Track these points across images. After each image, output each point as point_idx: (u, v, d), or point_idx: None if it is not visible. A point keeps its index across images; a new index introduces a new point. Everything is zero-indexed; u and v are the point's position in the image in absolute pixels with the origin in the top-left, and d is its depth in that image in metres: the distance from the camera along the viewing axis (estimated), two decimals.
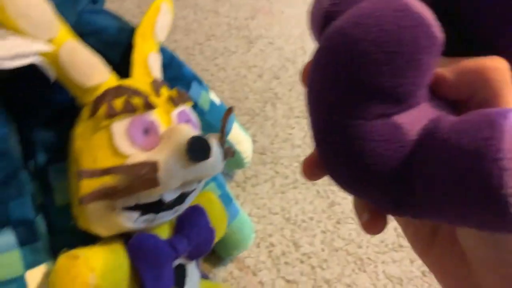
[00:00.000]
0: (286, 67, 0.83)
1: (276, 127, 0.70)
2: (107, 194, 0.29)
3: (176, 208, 0.36)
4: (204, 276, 0.41)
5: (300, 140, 0.70)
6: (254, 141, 0.66)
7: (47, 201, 0.35)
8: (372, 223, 0.18)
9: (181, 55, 0.72)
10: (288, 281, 0.52)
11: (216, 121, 0.49)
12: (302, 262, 0.55)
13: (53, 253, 0.34)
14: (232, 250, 0.48)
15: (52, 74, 0.29)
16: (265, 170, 0.63)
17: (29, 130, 0.34)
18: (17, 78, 0.32)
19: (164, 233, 0.37)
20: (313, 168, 0.19)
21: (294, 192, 0.62)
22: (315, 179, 0.19)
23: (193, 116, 0.38)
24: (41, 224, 0.32)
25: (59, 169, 0.34)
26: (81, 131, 0.32)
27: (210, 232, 0.39)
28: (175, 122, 0.35)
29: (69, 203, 0.34)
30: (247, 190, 0.59)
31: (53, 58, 0.31)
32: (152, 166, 0.30)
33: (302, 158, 0.69)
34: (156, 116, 0.34)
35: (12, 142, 0.30)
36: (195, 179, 0.35)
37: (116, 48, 0.40)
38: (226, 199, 0.47)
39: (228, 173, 0.60)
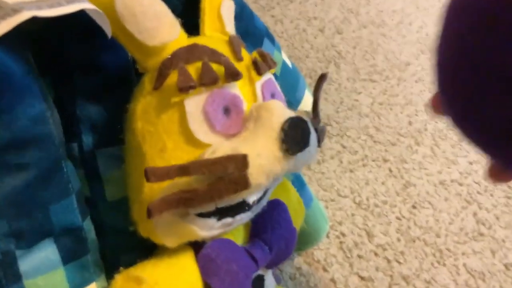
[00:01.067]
0: (349, 20, 0.71)
1: (340, 92, 0.60)
2: (182, 201, 0.21)
3: (256, 206, 0.28)
4: (278, 280, 0.34)
5: (368, 107, 0.61)
6: None
7: (96, 195, 0.27)
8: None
9: None
10: (362, 278, 0.45)
11: (288, 87, 0.40)
12: (376, 255, 0.47)
13: (103, 261, 0.27)
14: (303, 244, 0.41)
15: (107, 27, 0.21)
16: (330, 145, 0.54)
17: (72, 103, 0.25)
18: (56, 33, 0.24)
19: (239, 236, 0.29)
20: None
21: (364, 170, 0.54)
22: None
23: (278, 87, 0.29)
24: (90, 229, 0.24)
25: (111, 155, 0.26)
26: (143, 108, 0.24)
27: (293, 233, 0.31)
28: (260, 97, 0.26)
29: (124, 198, 0.26)
30: (312, 168, 0.50)
31: (106, 5, 0.22)
32: (241, 161, 0.22)
33: (371, 130, 0.60)
34: (239, 90, 0.25)
35: (53, 122, 0.22)
36: (288, 173, 0.26)
37: None
38: (299, 184, 0.39)
39: None
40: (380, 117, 0.61)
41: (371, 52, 0.68)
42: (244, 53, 0.27)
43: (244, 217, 0.27)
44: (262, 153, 0.23)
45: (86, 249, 0.24)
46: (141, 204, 0.23)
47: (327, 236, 0.46)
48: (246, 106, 0.25)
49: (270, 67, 0.27)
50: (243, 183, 0.22)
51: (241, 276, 0.26)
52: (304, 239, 0.41)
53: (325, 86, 0.60)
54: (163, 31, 0.24)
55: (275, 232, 0.30)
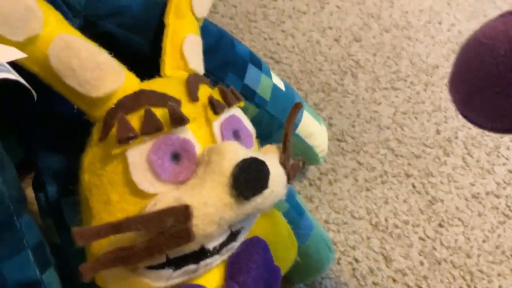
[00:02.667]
0: (369, 25, 0.68)
1: (357, 104, 0.57)
2: (120, 259, 0.20)
3: (227, 248, 0.26)
4: None
5: (389, 118, 0.57)
6: (330, 125, 0.54)
7: (64, 242, 0.27)
8: None
9: (240, 23, 0.61)
10: None
11: (280, 112, 0.38)
12: (395, 281, 0.44)
13: None
14: (305, 276, 0.39)
15: (31, 90, 0.21)
16: (345, 162, 0.51)
17: (34, 155, 0.26)
18: (15, 87, 0.24)
19: (213, 279, 0.28)
20: None
21: (383, 188, 0.50)
22: None
23: (246, 122, 0.28)
24: (52, 281, 0.25)
25: (75, 203, 0.26)
26: (90, 160, 0.23)
27: (275, 272, 0.30)
28: (219, 138, 0.25)
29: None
30: (322, 190, 0.48)
31: (42, 63, 0.22)
32: (182, 213, 0.21)
33: (392, 143, 0.56)
34: (191, 133, 0.24)
35: (2, 182, 0.22)
36: (246, 217, 0.25)
37: (143, 31, 0.30)
38: (296, 213, 0.37)
39: None
40: (403, 127, 0.57)
41: (394, 58, 0.64)
42: (203, 91, 0.26)
43: (211, 262, 0.26)
44: (209, 201, 0.22)
45: None
46: (91, 257, 0.22)
47: (338, 263, 0.43)
48: (201, 149, 0.24)
49: (229, 104, 0.26)
50: (186, 236, 0.21)
51: None
52: (305, 272, 0.39)
53: (339, 99, 0.58)
54: (106, 81, 0.23)
55: (252, 273, 0.28)
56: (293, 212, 0.37)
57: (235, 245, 0.28)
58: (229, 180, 0.22)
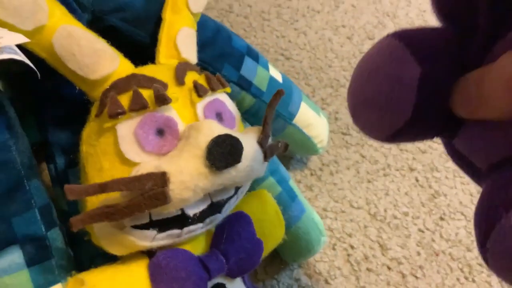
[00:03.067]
0: (384, 24, 0.69)
1: None
2: (104, 215, 0.24)
3: (210, 218, 0.29)
4: None
5: None
6: (336, 119, 0.56)
7: (71, 208, 0.31)
8: None
9: (254, 22, 0.64)
10: None
11: (280, 102, 0.41)
12: (389, 269, 0.45)
13: (78, 265, 0.31)
14: (296, 256, 0.41)
15: (35, 69, 0.25)
16: (348, 154, 0.53)
17: (45, 131, 0.30)
18: (27, 71, 0.28)
19: (199, 246, 0.31)
20: None
21: (385, 180, 0.52)
22: None
23: (230, 106, 0.31)
24: (56, 238, 0.28)
25: (78, 174, 0.30)
26: (87, 133, 0.27)
27: (256, 244, 0.32)
28: (202, 118, 0.28)
29: None
30: (323, 179, 0.50)
31: (48, 49, 0.26)
32: (159, 178, 0.24)
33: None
34: (175, 112, 0.27)
35: (15, 149, 0.26)
36: (222, 188, 0.28)
37: (144, 25, 0.34)
38: (288, 197, 0.40)
39: (300, 159, 0.51)
40: None
41: None
42: (191, 77, 0.30)
43: (194, 229, 0.29)
44: (185, 170, 0.25)
45: (49, 255, 0.28)
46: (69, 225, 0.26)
47: (333, 249, 0.45)
48: (184, 127, 0.27)
49: (213, 89, 0.29)
50: (163, 198, 0.24)
51: (189, 283, 0.28)
52: (296, 252, 0.41)
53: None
54: (102, 65, 0.27)
55: (234, 243, 0.31)
56: (285, 195, 0.40)
57: (219, 217, 0.30)
58: (204, 152, 0.25)
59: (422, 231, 0.48)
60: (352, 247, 0.46)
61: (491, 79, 0.14)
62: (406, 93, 0.16)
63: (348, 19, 0.68)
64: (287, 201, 0.39)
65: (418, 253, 0.47)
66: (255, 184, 0.38)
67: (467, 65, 0.16)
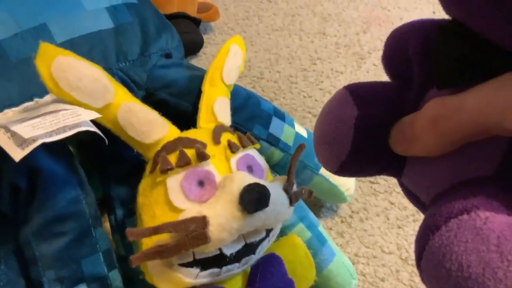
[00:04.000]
0: None
1: None
2: (157, 253, 0.29)
3: (246, 259, 0.34)
4: None
5: None
6: None
7: (127, 253, 0.36)
8: None
9: (283, 85, 0.71)
10: None
11: (303, 156, 0.46)
12: None
13: None
14: None
15: (104, 137, 0.31)
16: (376, 202, 0.56)
17: (108, 187, 0.36)
18: (96, 139, 0.35)
19: (236, 285, 0.35)
20: None
21: (415, 225, 0.54)
22: None
23: (259, 159, 0.36)
24: (116, 278, 0.33)
25: (135, 222, 0.36)
26: (143, 187, 0.33)
27: (288, 283, 0.36)
28: (234, 170, 0.34)
29: None
30: (353, 226, 0.53)
31: (113, 121, 0.33)
32: (201, 221, 0.29)
33: None
34: (212, 166, 0.33)
35: (85, 203, 0.32)
36: (255, 230, 0.32)
37: (187, 97, 0.40)
38: (318, 242, 0.43)
39: (331, 207, 0.55)
40: None
41: None
42: (225, 137, 0.35)
43: (232, 268, 0.33)
44: (221, 214, 0.30)
45: None
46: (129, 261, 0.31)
47: None
48: (220, 178, 0.33)
49: (244, 146, 0.35)
50: (204, 238, 0.29)
51: None
52: None
53: None
54: (155, 132, 0.33)
55: (268, 282, 0.35)
56: (315, 239, 0.43)
57: (254, 257, 0.35)
58: (237, 198, 0.30)
59: None
60: None
61: (420, 119, 0.17)
62: (346, 131, 0.20)
63: (370, 77, 0.73)
64: (317, 245, 0.43)
65: None
66: (286, 230, 0.42)
67: (405, 111, 0.19)
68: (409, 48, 0.19)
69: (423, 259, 0.15)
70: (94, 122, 0.32)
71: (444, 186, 0.17)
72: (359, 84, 0.21)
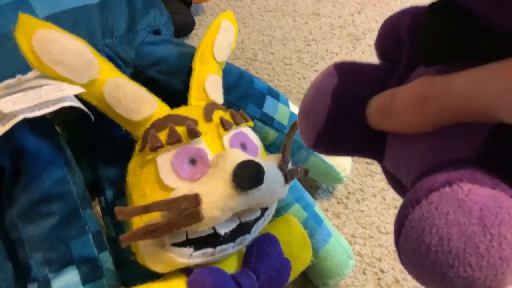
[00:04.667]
0: None
1: None
2: (148, 232, 0.28)
3: (240, 239, 0.33)
4: None
5: None
6: None
7: (118, 235, 0.35)
8: None
9: (277, 67, 0.69)
10: None
11: (298, 136, 0.45)
12: None
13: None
14: (325, 278, 0.43)
15: (91, 114, 0.30)
16: (373, 183, 0.55)
17: (97, 168, 0.35)
18: (83, 119, 0.34)
19: (231, 265, 0.34)
20: None
21: None
22: None
23: (253, 137, 0.35)
24: (106, 260, 0.32)
25: (125, 203, 0.34)
26: (132, 166, 0.32)
27: (284, 263, 0.35)
28: (228, 148, 0.33)
29: None
30: (350, 207, 0.52)
31: (99, 98, 0.31)
32: (193, 199, 0.28)
33: None
34: (205, 144, 0.32)
35: (72, 183, 0.31)
36: (248, 208, 0.31)
37: (178, 75, 0.39)
38: (315, 222, 0.42)
39: (327, 188, 0.54)
40: None
41: None
42: (218, 114, 0.34)
43: (226, 248, 0.32)
44: (214, 192, 0.29)
45: (101, 274, 0.32)
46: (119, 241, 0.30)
47: (364, 273, 0.47)
48: (213, 156, 0.32)
49: (237, 123, 0.34)
50: (196, 216, 0.28)
51: None
52: (325, 275, 0.43)
53: None
54: (144, 109, 0.32)
55: (263, 261, 0.34)
56: (311, 220, 0.42)
57: (249, 237, 0.34)
58: (230, 176, 0.29)
59: None
60: (382, 271, 0.47)
61: (404, 95, 0.16)
62: (323, 99, 0.19)
63: (365, 58, 0.72)
64: (314, 226, 0.42)
65: None
66: (282, 210, 0.42)
67: (387, 87, 0.18)
68: (400, 29, 0.19)
69: (401, 235, 0.14)
70: (80, 99, 0.31)
71: (424, 166, 0.16)
72: (348, 61, 0.20)
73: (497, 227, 0.13)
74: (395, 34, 0.19)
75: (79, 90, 0.28)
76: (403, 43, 0.19)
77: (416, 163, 0.17)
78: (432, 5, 0.16)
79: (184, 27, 0.67)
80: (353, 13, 0.81)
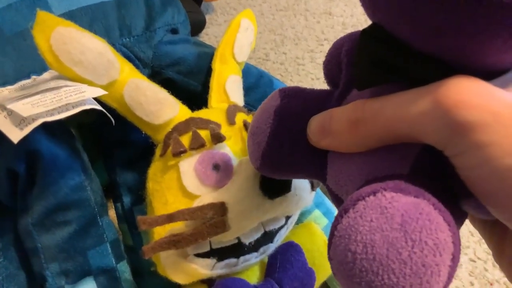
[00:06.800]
0: None
1: None
2: (172, 243, 0.26)
3: (264, 248, 0.31)
4: None
5: None
6: None
7: (136, 244, 0.34)
8: None
9: (289, 67, 0.68)
10: None
11: None
12: None
13: None
14: None
15: (111, 117, 0.28)
16: None
17: (114, 173, 0.34)
18: (98, 120, 0.32)
19: (254, 276, 0.33)
20: None
21: None
22: None
23: None
24: (124, 270, 0.31)
25: (143, 210, 0.33)
26: (153, 171, 0.30)
27: (309, 273, 0.34)
28: None
29: None
30: None
31: (119, 100, 0.30)
32: (219, 208, 0.27)
33: None
34: (228, 148, 0.30)
35: (90, 190, 0.30)
36: (274, 217, 0.30)
37: (196, 76, 0.38)
38: None
39: None
40: None
41: None
42: (240, 117, 0.33)
43: (249, 258, 0.31)
44: (240, 200, 0.27)
45: (119, 285, 0.30)
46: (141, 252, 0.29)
47: None
48: (237, 161, 0.30)
49: None
50: (222, 226, 0.27)
51: None
52: None
53: None
54: (165, 112, 0.31)
55: (288, 272, 0.33)
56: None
57: (272, 246, 0.32)
58: (256, 183, 0.28)
59: (474, 261, 0.47)
60: None
61: (340, 117, 0.17)
62: (266, 118, 0.21)
63: None
64: None
65: (472, 283, 0.46)
66: (302, 217, 0.40)
67: (326, 108, 0.19)
68: (342, 52, 0.20)
69: (331, 246, 0.15)
70: (98, 101, 0.29)
71: (361, 182, 0.17)
72: (292, 86, 0.22)
73: (418, 233, 0.13)
74: (338, 58, 0.20)
75: (100, 92, 0.26)
76: (342, 66, 0.20)
77: (354, 180, 0.17)
78: (363, 31, 0.16)
79: (195, 26, 0.66)
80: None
